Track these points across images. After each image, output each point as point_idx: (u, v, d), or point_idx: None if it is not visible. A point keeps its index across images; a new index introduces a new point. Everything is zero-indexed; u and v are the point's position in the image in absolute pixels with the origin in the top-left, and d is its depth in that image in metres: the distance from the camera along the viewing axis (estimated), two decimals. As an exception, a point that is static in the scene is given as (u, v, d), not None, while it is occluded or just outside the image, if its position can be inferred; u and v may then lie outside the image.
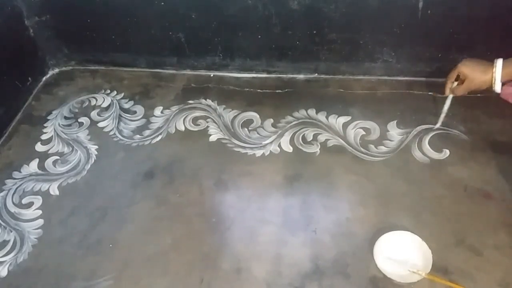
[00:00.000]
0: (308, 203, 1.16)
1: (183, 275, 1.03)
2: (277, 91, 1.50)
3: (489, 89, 1.04)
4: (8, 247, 1.14)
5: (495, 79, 1.00)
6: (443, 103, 1.22)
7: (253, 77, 1.57)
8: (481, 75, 1.03)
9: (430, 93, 1.41)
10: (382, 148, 1.27)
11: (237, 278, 1.02)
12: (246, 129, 1.38)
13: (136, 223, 1.16)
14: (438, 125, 1.29)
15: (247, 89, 1.53)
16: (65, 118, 1.49)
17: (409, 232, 1.02)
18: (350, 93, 1.46)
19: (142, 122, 1.45)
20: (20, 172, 1.32)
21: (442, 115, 1.26)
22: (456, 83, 1.13)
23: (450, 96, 1.18)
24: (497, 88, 1.01)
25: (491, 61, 1.02)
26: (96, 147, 1.38)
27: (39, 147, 1.39)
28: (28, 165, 1.34)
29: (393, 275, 0.96)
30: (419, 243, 0.99)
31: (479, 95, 1.37)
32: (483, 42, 1.34)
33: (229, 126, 1.39)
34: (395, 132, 1.31)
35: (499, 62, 1.00)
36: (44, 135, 1.44)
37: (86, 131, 1.43)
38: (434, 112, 1.34)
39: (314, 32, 1.41)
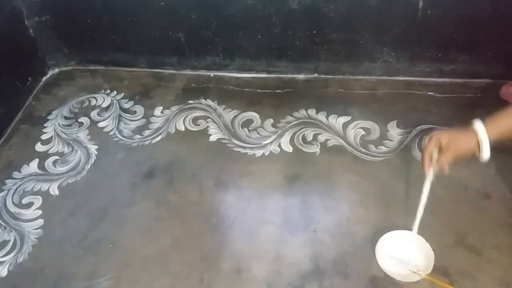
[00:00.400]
0: (308, 203, 1.16)
1: (183, 275, 1.03)
2: (277, 91, 1.50)
3: (475, 155, 0.85)
4: (8, 247, 1.14)
5: (481, 142, 0.83)
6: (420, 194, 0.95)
7: (253, 77, 1.57)
8: (466, 140, 0.85)
9: (430, 93, 1.41)
10: (382, 148, 1.27)
11: (237, 278, 1.02)
12: (246, 129, 1.38)
13: (136, 223, 1.16)
14: (415, 228, 1.00)
15: (247, 89, 1.53)
16: (65, 118, 1.49)
17: (413, 232, 1.01)
18: (350, 93, 1.46)
19: (142, 122, 1.45)
20: (20, 172, 1.32)
21: (420, 211, 0.97)
22: (436, 156, 0.89)
23: (430, 179, 0.93)
24: (486, 152, 0.83)
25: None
26: (96, 147, 1.38)
27: (39, 147, 1.39)
28: (28, 165, 1.34)
29: (394, 274, 0.96)
30: (422, 244, 0.99)
31: (479, 95, 1.39)
32: (483, 42, 1.34)
33: (229, 126, 1.39)
34: (395, 132, 1.31)
35: (479, 124, 0.84)
36: (44, 135, 1.44)
37: (86, 131, 1.43)
38: (434, 112, 1.34)
39: (314, 32, 1.41)
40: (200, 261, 1.06)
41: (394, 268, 0.98)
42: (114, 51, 1.62)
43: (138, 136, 1.40)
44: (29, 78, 1.60)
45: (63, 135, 1.43)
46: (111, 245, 1.11)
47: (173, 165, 1.29)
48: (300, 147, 1.30)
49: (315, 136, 1.32)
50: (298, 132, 1.34)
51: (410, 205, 1.11)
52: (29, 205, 1.23)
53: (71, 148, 1.38)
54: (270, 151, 1.30)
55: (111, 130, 1.43)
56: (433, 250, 0.98)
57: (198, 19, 1.45)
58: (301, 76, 1.54)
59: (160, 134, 1.39)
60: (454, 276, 0.97)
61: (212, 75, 1.60)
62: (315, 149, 1.29)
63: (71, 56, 1.67)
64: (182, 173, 1.26)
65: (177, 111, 1.47)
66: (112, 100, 1.54)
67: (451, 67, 1.41)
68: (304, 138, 1.32)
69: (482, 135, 0.83)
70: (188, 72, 1.62)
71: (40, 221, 1.19)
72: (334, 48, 1.44)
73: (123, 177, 1.28)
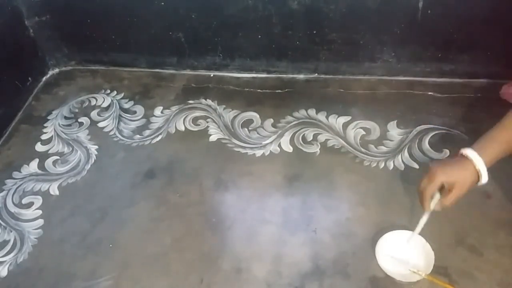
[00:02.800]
0: (308, 203, 1.16)
1: (183, 275, 1.03)
2: (277, 91, 1.50)
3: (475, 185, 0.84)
4: (8, 247, 1.14)
5: (480, 171, 0.82)
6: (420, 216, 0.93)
7: (253, 77, 1.57)
8: (467, 174, 0.83)
9: (430, 93, 1.41)
10: (382, 148, 1.27)
11: (237, 278, 1.02)
12: (246, 129, 1.38)
13: (136, 223, 1.16)
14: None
15: (247, 89, 1.53)
16: (65, 118, 1.49)
17: (414, 233, 1.01)
18: (350, 93, 1.46)
19: (142, 122, 1.45)
20: (20, 172, 1.32)
21: (417, 231, 0.96)
22: (438, 195, 0.87)
23: (427, 215, 0.92)
24: (485, 178, 0.83)
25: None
26: (96, 147, 1.38)
27: (39, 147, 1.39)
28: (28, 165, 1.34)
29: (394, 274, 0.96)
30: (423, 244, 0.99)
31: (479, 95, 1.39)
32: (483, 42, 1.34)
33: (229, 126, 1.39)
34: (395, 132, 1.31)
35: (472, 153, 0.82)
36: (44, 135, 1.44)
37: (86, 131, 1.43)
38: (434, 112, 1.34)
39: (314, 32, 1.41)
40: (200, 261, 1.06)
41: (394, 268, 0.98)
42: (114, 51, 1.62)
43: (138, 136, 1.40)
44: (29, 78, 1.60)
45: (63, 135, 1.43)
46: (111, 245, 1.11)
47: (173, 165, 1.29)
48: (300, 147, 1.30)
49: (315, 136, 1.32)
50: (298, 132, 1.34)
51: (410, 205, 1.11)
52: (29, 205, 1.23)
53: (71, 148, 1.38)
54: (270, 151, 1.30)
55: (111, 130, 1.43)
56: (433, 250, 0.98)
57: (198, 19, 1.45)
58: (301, 76, 1.54)
59: (160, 134, 1.39)
60: (454, 276, 0.97)
61: (212, 75, 1.60)
62: (315, 149, 1.29)
63: (71, 56, 1.67)
64: (182, 173, 1.26)
65: (177, 111, 1.47)
66: (112, 100, 1.54)
67: (451, 67, 1.41)
68: (304, 138, 1.32)
69: (480, 166, 0.82)
70: (188, 72, 1.62)
71: (40, 221, 1.19)
72: (334, 48, 1.44)
73: (123, 177, 1.28)
